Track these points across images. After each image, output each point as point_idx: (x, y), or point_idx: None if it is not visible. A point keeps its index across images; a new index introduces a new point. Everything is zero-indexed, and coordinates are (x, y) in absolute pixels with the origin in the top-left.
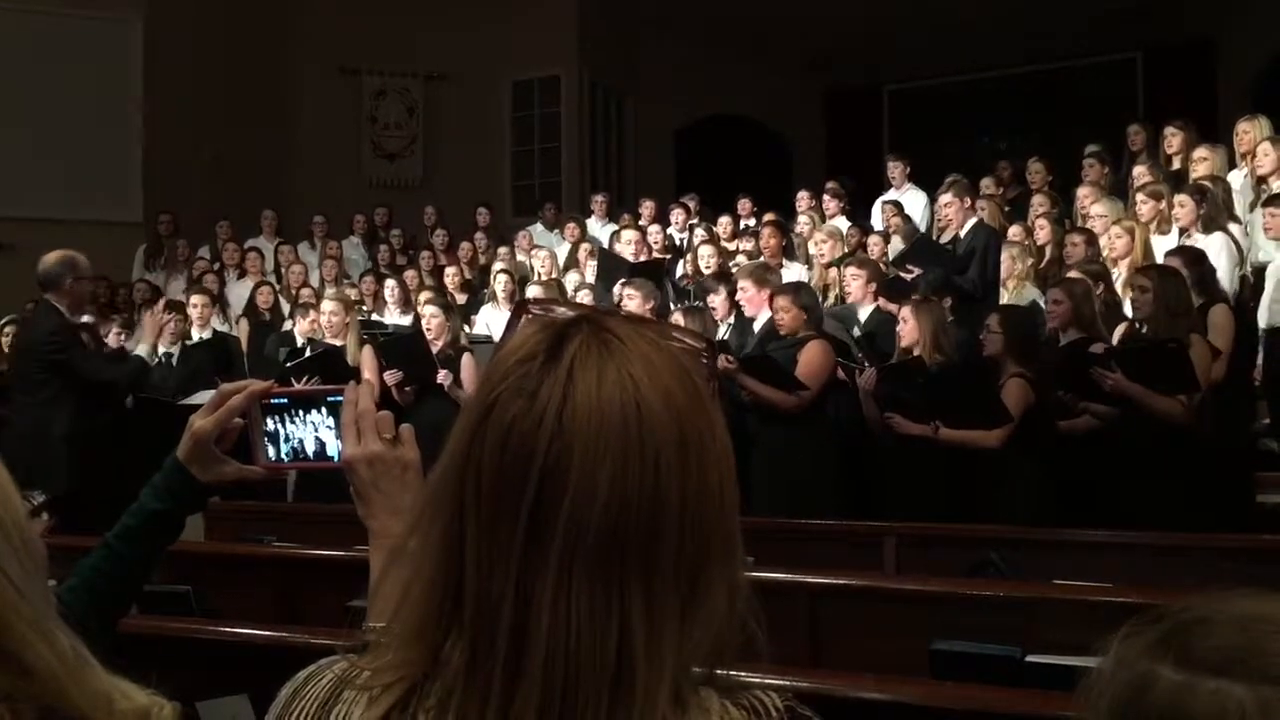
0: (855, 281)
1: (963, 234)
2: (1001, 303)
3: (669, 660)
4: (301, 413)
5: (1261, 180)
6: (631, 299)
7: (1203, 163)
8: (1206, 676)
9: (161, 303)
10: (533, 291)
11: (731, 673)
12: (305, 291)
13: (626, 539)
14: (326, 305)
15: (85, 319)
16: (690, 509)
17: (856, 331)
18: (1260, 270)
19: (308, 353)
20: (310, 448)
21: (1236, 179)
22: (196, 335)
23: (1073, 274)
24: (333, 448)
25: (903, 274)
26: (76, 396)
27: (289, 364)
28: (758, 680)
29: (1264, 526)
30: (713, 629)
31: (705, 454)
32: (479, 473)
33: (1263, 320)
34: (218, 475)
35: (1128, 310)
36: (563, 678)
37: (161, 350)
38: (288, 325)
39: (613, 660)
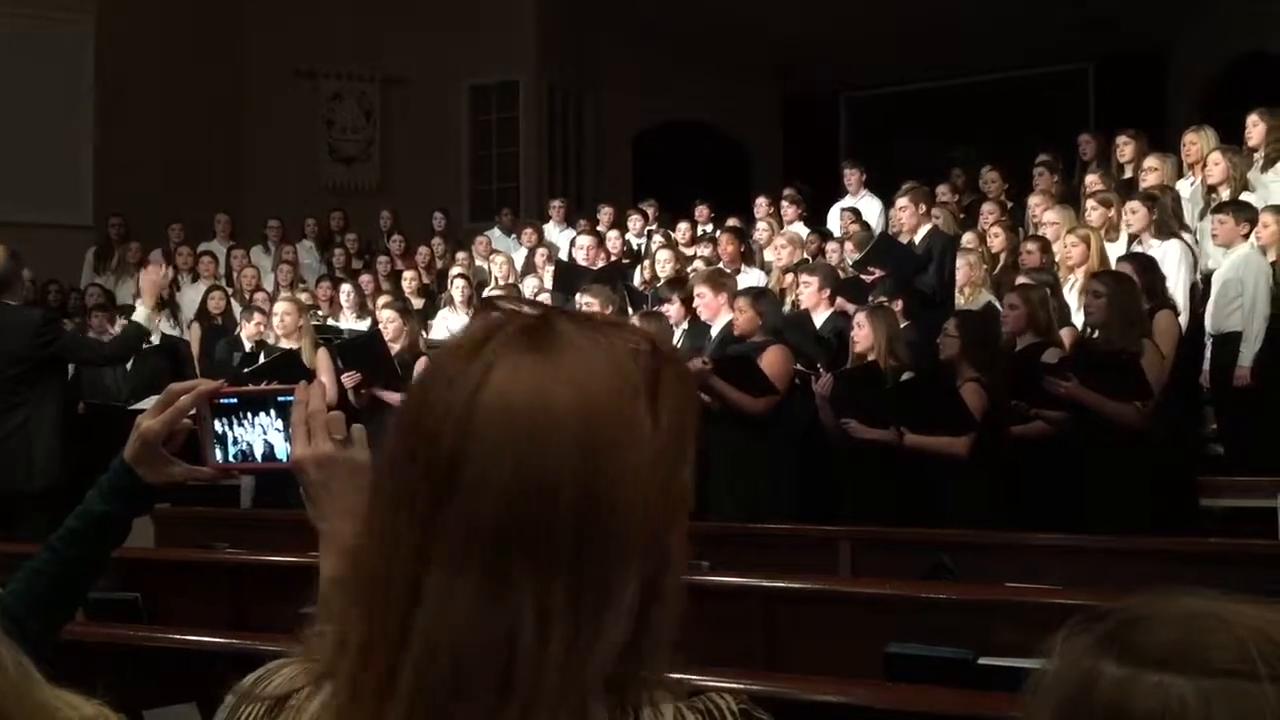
0: (807, 289)
1: (917, 239)
2: (958, 308)
3: (560, 661)
4: (250, 414)
5: (1212, 190)
6: (590, 306)
7: (1153, 172)
8: (1149, 670)
9: (157, 255)
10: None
11: (687, 676)
12: (259, 295)
13: (520, 535)
14: (279, 308)
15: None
16: (596, 511)
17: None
18: (1209, 277)
19: (261, 357)
20: (259, 450)
21: (1184, 188)
22: None
23: (1024, 280)
24: (281, 449)
25: (864, 276)
26: (63, 390)
27: (246, 370)
28: (713, 684)
29: (1209, 530)
30: (623, 634)
31: (617, 455)
32: (390, 461)
33: (1210, 326)
34: (166, 476)
35: (1077, 319)
36: (444, 671)
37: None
38: (240, 329)
39: (498, 657)
